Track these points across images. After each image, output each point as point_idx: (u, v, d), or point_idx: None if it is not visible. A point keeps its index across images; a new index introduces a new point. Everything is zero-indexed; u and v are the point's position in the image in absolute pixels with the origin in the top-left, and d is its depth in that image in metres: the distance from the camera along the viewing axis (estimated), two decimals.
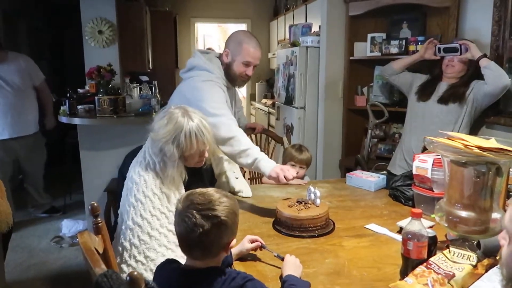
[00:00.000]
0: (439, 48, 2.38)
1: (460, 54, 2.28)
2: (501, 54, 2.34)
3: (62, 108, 3.21)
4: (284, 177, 1.68)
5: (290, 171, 1.70)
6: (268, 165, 1.75)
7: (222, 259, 1.14)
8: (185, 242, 1.09)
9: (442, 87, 2.42)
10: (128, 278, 0.72)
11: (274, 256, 1.34)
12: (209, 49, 5.50)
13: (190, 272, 1.10)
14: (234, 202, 1.13)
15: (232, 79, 2.07)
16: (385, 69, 2.75)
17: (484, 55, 2.23)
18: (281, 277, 1.22)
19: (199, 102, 1.79)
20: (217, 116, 1.81)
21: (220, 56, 2.09)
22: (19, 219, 3.45)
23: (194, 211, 1.04)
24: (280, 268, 1.26)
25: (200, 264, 1.10)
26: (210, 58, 2.07)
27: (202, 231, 1.03)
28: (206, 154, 1.60)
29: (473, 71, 2.33)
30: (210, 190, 1.12)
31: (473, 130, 2.44)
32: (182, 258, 1.18)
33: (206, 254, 1.08)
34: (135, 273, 0.72)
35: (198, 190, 1.13)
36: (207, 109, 1.78)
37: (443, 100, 2.37)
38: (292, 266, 1.23)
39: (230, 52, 2.02)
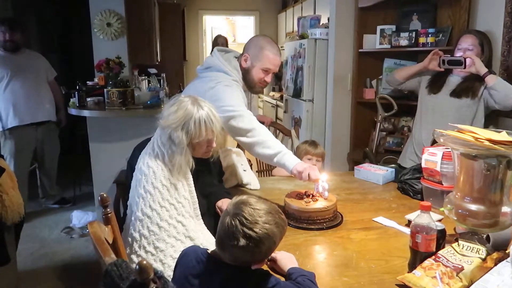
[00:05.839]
0: (443, 60, 2.34)
1: (464, 68, 2.24)
2: None
3: (71, 100, 3.24)
4: (308, 175, 1.65)
5: (316, 172, 1.67)
6: (294, 159, 1.74)
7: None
8: (220, 241, 1.10)
9: (453, 80, 2.38)
10: (137, 267, 0.73)
11: None
12: (218, 36, 5.50)
13: (215, 259, 1.12)
14: (279, 230, 1.09)
15: (250, 85, 2.01)
16: (389, 81, 2.71)
17: (489, 72, 2.18)
18: (274, 270, 1.23)
19: (215, 102, 1.74)
20: (235, 111, 1.80)
21: (239, 57, 2.04)
22: (30, 209, 3.50)
23: (237, 222, 1.05)
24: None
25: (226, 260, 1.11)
26: (228, 58, 2.01)
27: (236, 244, 1.04)
28: (214, 144, 1.60)
29: (487, 63, 2.27)
30: (263, 210, 1.08)
31: (484, 124, 2.41)
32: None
33: (234, 259, 1.09)
34: (144, 262, 0.73)
35: (253, 201, 1.10)
36: (223, 107, 1.76)
37: (455, 94, 2.32)
38: (290, 259, 1.24)
39: (249, 58, 1.97)
